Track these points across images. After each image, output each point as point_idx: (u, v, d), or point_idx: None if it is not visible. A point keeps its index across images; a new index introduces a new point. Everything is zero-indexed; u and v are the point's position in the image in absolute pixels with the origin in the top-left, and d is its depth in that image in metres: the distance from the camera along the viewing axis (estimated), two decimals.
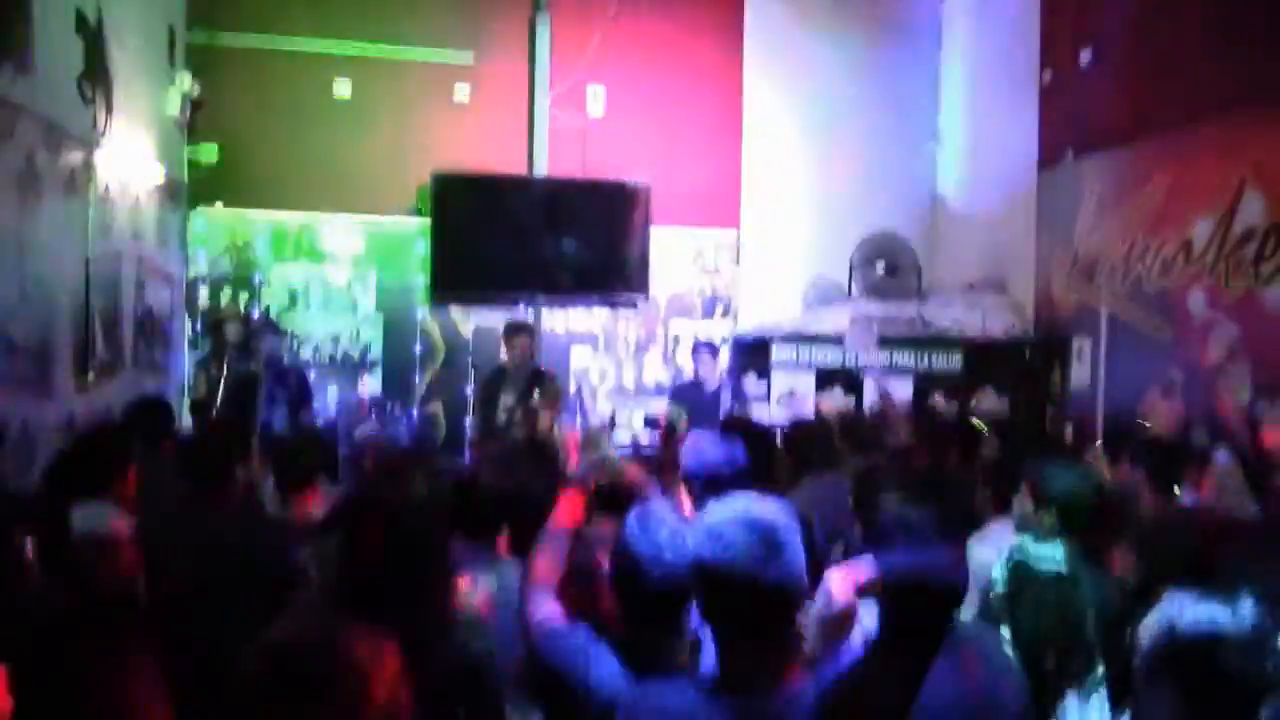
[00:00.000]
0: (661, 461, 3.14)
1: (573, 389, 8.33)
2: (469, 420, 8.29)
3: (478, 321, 8.66)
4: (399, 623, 1.75)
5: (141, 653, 2.25)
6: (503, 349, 7.23)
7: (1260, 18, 5.84)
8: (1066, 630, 2.41)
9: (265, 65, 8.33)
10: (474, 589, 2.63)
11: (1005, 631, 2.43)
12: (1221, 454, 4.73)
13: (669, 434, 3.17)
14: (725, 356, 8.45)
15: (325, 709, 1.39)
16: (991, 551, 2.73)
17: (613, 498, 2.53)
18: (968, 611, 2.50)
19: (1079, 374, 7.53)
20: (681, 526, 2.23)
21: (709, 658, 2.19)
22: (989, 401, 8.00)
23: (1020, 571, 2.52)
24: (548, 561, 2.42)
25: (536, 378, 6.93)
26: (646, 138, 8.82)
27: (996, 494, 3.85)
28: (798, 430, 5.00)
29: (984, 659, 2.16)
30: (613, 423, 7.88)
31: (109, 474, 3.40)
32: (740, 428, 4.55)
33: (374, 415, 8.21)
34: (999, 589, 2.51)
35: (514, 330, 7.23)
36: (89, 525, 2.70)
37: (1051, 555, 2.50)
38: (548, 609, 2.33)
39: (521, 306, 8.48)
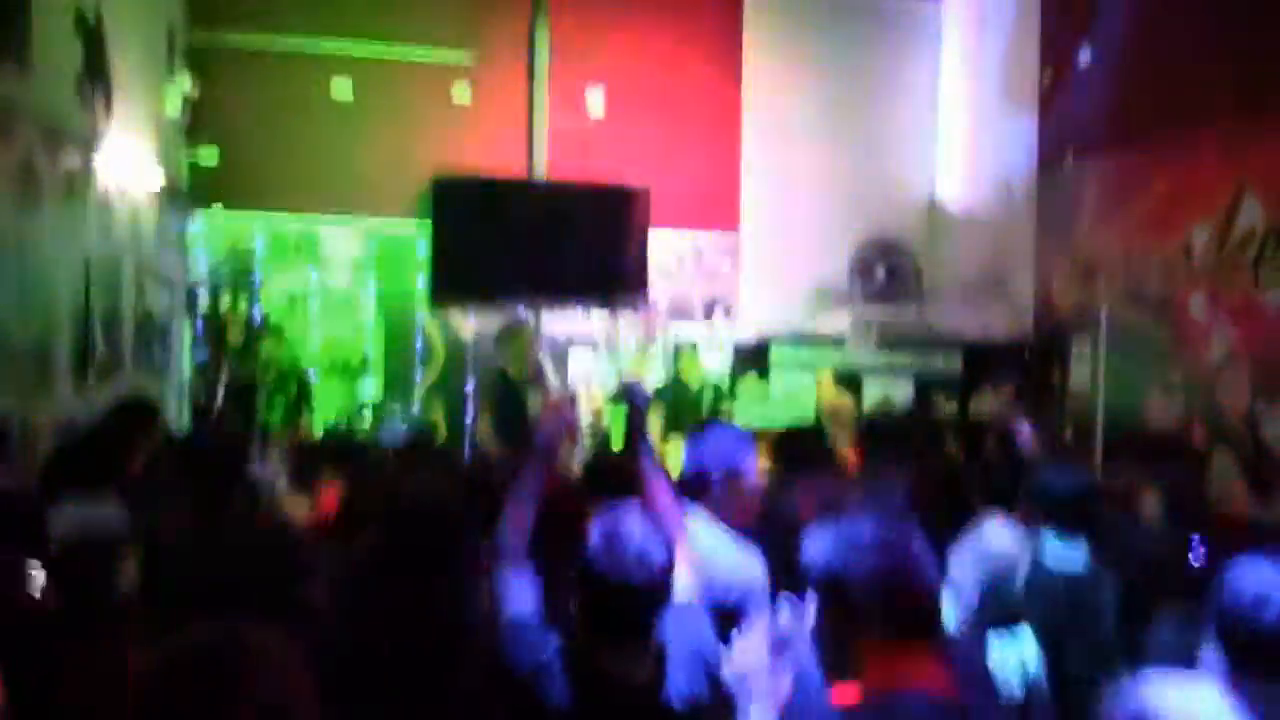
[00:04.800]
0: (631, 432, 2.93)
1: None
2: (470, 423, 8.27)
3: (477, 324, 8.65)
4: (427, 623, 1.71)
5: (127, 651, 2.25)
6: (505, 353, 6.99)
7: (1259, 21, 5.85)
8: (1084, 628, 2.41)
9: (265, 66, 8.32)
10: None
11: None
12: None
13: (632, 404, 2.91)
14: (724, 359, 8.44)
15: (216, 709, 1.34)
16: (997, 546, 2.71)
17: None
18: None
19: (1079, 374, 7.52)
20: (650, 539, 2.16)
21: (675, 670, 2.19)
22: (989, 402, 7.98)
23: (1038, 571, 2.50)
24: (516, 527, 2.44)
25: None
26: (646, 139, 8.80)
27: (996, 495, 3.83)
28: (789, 431, 4.97)
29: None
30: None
31: (105, 474, 3.39)
32: None
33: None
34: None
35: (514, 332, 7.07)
36: (85, 525, 2.69)
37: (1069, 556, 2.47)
38: (521, 597, 2.33)
39: (521, 309, 8.46)
